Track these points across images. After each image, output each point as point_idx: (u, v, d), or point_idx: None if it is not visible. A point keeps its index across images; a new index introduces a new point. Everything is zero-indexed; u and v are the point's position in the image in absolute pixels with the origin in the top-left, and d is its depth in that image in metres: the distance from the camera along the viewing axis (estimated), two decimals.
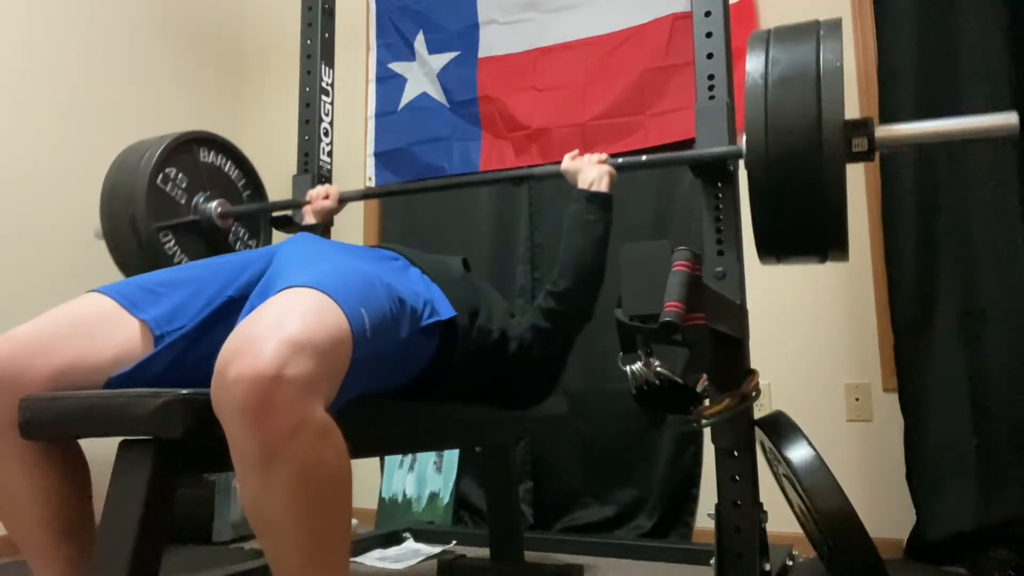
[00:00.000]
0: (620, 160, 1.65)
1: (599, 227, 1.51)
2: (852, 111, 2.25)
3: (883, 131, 1.30)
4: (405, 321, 1.11)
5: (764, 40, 1.30)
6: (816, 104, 1.20)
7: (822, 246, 1.31)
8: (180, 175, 1.90)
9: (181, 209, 1.91)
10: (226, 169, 2.05)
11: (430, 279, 1.31)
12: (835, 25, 1.27)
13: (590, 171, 1.59)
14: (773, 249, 1.35)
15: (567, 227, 1.54)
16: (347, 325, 0.91)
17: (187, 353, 1.09)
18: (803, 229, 1.28)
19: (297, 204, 2.02)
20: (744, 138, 1.28)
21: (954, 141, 1.35)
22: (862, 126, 1.26)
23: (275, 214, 2.19)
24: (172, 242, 1.87)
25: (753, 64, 1.27)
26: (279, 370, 0.79)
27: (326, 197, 1.93)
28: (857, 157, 1.27)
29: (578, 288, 1.47)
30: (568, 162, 1.67)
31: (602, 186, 1.57)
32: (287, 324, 0.84)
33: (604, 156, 1.65)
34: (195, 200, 1.93)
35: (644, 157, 1.69)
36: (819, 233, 1.27)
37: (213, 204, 1.95)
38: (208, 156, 2.00)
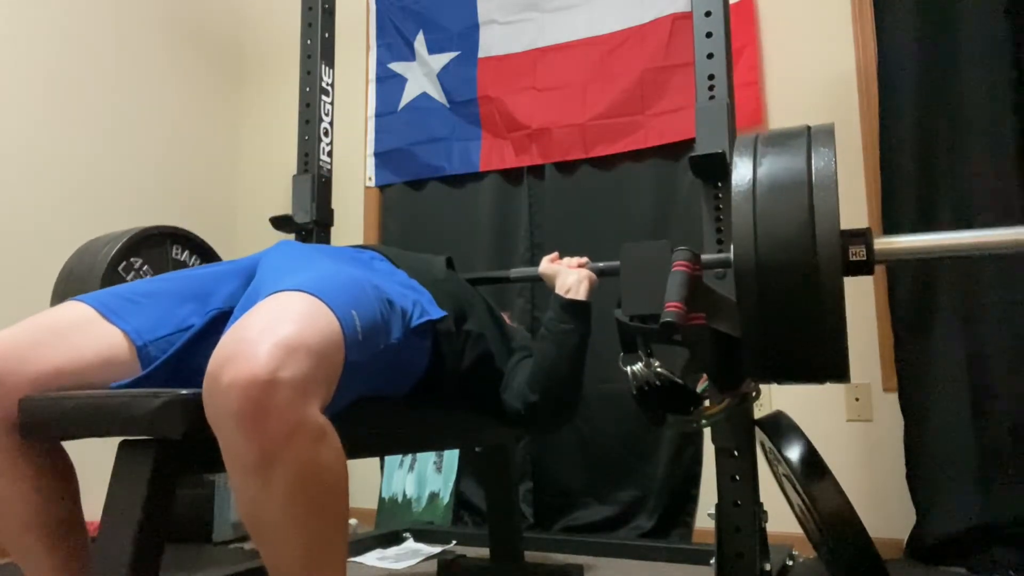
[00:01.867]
0: (601, 265, 1.57)
1: (574, 337, 1.43)
2: (852, 112, 2.24)
3: (883, 243, 1.21)
4: (396, 322, 1.10)
5: (751, 146, 1.21)
6: (809, 214, 1.10)
7: (819, 371, 1.18)
8: (145, 267, 1.79)
9: None
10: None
11: (416, 281, 1.30)
12: (826, 131, 1.19)
13: (568, 277, 1.51)
14: (766, 374, 1.25)
15: (540, 335, 1.47)
16: (339, 327, 0.91)
17: (180, 369, 1.08)
18: (798, 352, 1.14)
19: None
20: (732, 250, 1.16)
21: (961, 256, 1.24)
22: (860, 236, 1.17)
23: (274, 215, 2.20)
24: None
25: (740, 172, 1.17)
26: (274, 373, 0.78)
27: None
28: (855, 269, 1.18)
29: (548, 403, 1.40)
30: (546, 265, 1.62)
31: (580, 293, 1.47)
32: (279, 327, 0.84)
33: (584, 260, 1.58)
34: None
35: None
36: (815, 356, 1.13)
37: None
38: (181, 254, 1.91)
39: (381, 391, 1.15)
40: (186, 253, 1.91)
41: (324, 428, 0.84)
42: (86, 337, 1.04)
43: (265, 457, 0.78)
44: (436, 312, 1.22)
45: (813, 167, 1.12)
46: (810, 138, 1.16)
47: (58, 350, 1.01)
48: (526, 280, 1.73)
